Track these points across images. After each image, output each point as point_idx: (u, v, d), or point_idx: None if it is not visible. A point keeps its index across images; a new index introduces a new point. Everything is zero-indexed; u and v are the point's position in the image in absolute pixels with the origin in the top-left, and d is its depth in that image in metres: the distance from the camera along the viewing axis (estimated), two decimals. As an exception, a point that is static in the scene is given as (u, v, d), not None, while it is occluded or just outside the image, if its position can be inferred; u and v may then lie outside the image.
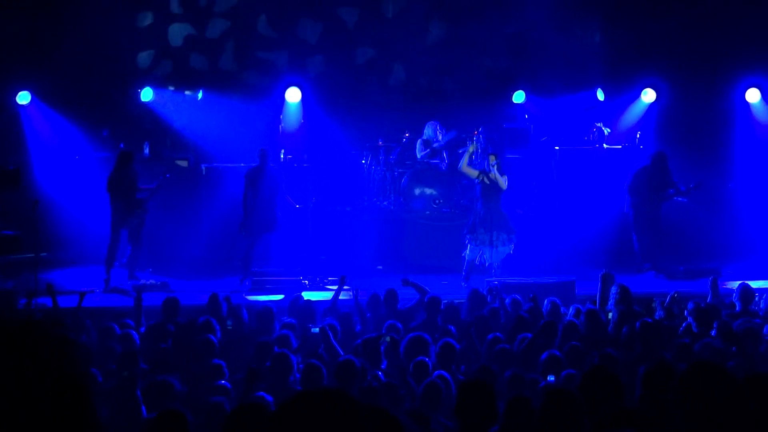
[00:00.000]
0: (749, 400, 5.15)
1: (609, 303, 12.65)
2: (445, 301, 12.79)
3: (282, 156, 19.14)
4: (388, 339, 10.28)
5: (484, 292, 13.49)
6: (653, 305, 12.80)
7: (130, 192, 17.25)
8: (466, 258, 16.91)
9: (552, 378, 8.97)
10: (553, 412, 6.05)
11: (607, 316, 12.07)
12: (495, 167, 16.66)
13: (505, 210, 16.98)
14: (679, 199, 18.49)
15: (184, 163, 19.84)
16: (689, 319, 11.78)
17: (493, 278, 15.86)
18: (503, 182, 16.70)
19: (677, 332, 11.57)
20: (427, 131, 20.03)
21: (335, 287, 13.64)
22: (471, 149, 17.08)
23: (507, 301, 13.10)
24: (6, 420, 2.01)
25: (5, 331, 2.10)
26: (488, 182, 16.75)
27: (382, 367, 9.98)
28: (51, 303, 12.91)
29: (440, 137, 19.96)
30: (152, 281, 17.16)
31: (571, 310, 12.42)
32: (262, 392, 8.34)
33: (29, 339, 2.10)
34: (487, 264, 16.79)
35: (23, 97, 20.12)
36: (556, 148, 20.10)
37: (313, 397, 2.40)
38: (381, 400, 8.27)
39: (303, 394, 2.42)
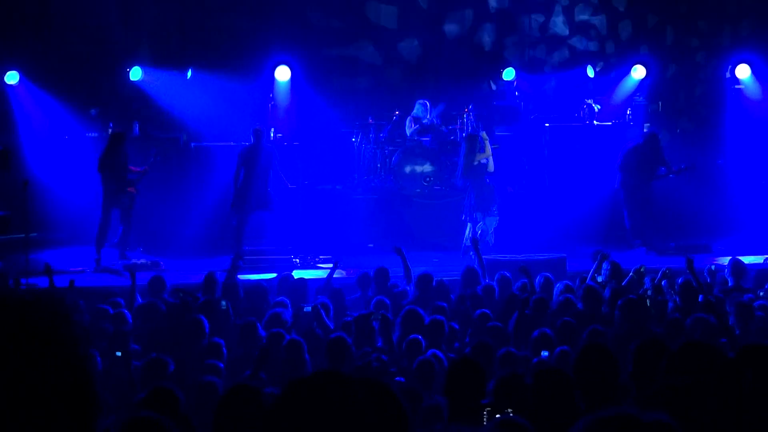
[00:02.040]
0: (740, 375, 5.17)
1: (601, 278, 12.70)
2: (437, 279, 12.80)
3: (272, 134, 19.12)
4: (379, 316, 10.29)
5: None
6: (642, 270, 12.82)
7: (121, 172, 17.23)
8: (467, 235, 17.00)
9: (546, 354, 8.99)
10: (544, 391, 6.06)
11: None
12: (486, 143, 16.80)
13: (492, 183, 17.14)
14: (670, 176, 18.52)
15: (174, 142, 19.80)
16: (676, 296, 11.80)
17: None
18: (491, 164, 16.92)
19: (667, 308, 11.59)
20: (417, 109, 20.04)
21: (327, 266, 13.62)
22: (484, 136, 17.13)
23: (496, 277, 13.09)
24: (7, 397, 2.01)
25: (7, 307, 2.09)
26: (477, 163, 16.87)
27: (377, 344, 10.00)
28: (47, 283, 12.89)
29: (429, 116, 19.97)
30: (143, 260, 17.15)
31: (559, 285, 12.43)
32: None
33: (33, 316, 2.09)
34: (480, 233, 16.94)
35: (12, 77, 20.02)
36: (546, 125, 20.11)
37: (308, 383, 2.40)
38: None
39: (297, 382, 2.41)
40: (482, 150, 17.42)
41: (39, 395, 2.02)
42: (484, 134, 16.94)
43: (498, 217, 17.15)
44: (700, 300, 11.39)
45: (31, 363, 2.03)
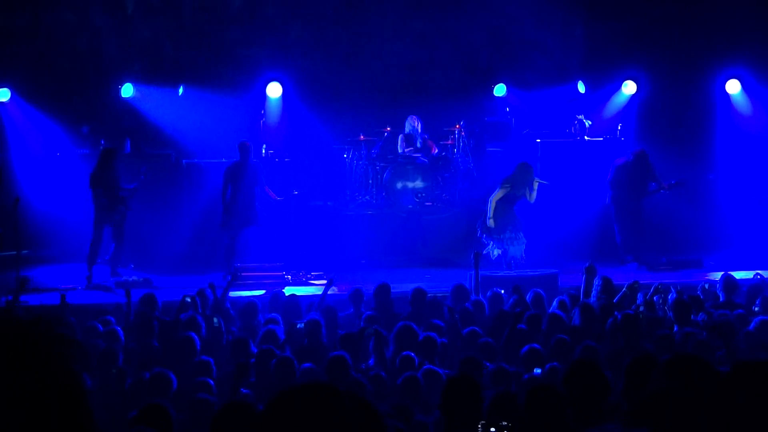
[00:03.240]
0: (734, 390, 5.17)
1: (592, 295, 12.70)
2: (429, 295, 12.80)
3: (264, 151, 19.12)
4: (372, 332, 10.28)
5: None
6: (635, 286, 12.81)
7: (113, 189, 17.21)
8: (492, 256, 16.93)
9: (539, 371, 8.99)
10: (535, 407, 6.06)
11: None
12: (536, 187, 16.76)
13: (517, 211, 17.08)
14: (661, 191, 18.54)
15: (165, 159, 19.80)
16: (669, 311, 11.80)
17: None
18: (533, 198, 16.86)
19: (659, 323, 11.59)
20: (408, 126, 20.07)
21: (320, 282, 13.60)
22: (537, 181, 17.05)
23: (488, 294, 13.10)
24: (1, 419, 2.01)
25: (5, 327, 2.10)
26: (519, 195, 16.82)
27: (370, 362, 9.99)
28: (39, 300, 12.87)
29: (419, 128, 19.98)
30: (135, 277, 17.12)
31: (554, 302, 12.44)
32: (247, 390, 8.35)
33: (29, 336, 2.10)
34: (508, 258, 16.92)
35: (2, 94, 20.01)
36: (538, 140, 20.15)
37: (298, 393, 2.41)
38: (367, 395, 8.27)
39: (288, 392, 2.43)
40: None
41: (34, 413, 2.03)
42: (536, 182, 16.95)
43: (524, 245, 17.07)
44: (692, 317, 11.41)
45: (27, 381, 2.03)
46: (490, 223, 16.85)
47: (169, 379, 8.71)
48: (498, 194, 16.92)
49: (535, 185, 16.84)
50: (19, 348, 2.07)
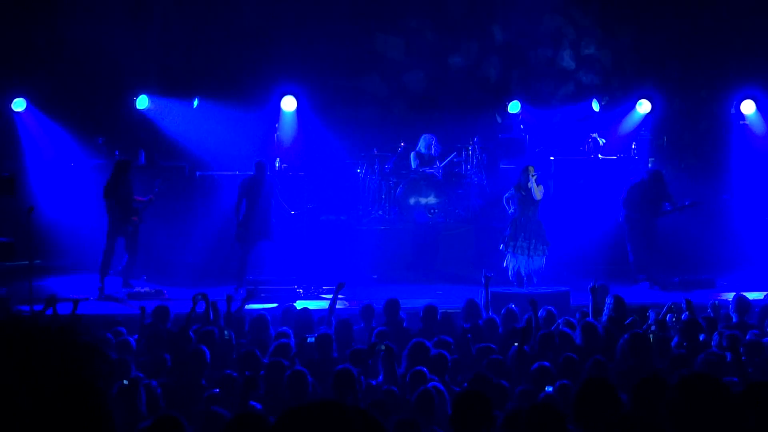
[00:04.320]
0: (746, 411, 5.15)
1: (603, 314, 12.65)
2: (441, 311, 12.79)
3: (277, 165, 19.15)
4: (383, 347, 10.27)
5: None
6: (647, 314, 12.78)
7: (127, 200, 17.25)
8: (510, 268, 16.92)
9: (550, 389, 8.96)
10: (536, 426, 6.04)
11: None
12: (533, 178, 16.71)
13: (542, 220, 17.03)
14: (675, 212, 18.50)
15: (179, 171, 19.85)
16: (677, 332, 11.76)
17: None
18: (539, 193, 16.76)
19: (670, 344, 11.55)
20: (421, 144, 20.04)
21: (330, 296, 13.56)
22: (531, 171, 16.99)
23: (502, 311, 13.06)
24: (24, 424, 2.02)
25: (32, 334, 2.11)
26: (524, 193, 16.80)
27: (379, 377, 9.98)
28: (50, 311, 12.85)
29: (433, 150, 19.95)
30: (147, 289, 17.14)
31: (560, 320, 12.41)
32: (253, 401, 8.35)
33: (54, 345, 2.11)
34: (523, 273, 16.85)
35: (19, 104, 20.12)
36: (551, 158, 20.13)
37: (306, 411, 2.42)
38: (376, 410, 8.26)
39: (296, 410, 2.44)
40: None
41: (56, 421, 2.04)
42: (530, 168, 16.90)
43: (545, 258, 17.03)
44: (701, 338, 11.38)
45: (48, 389, 2.04)
46: (505, 202, 16.99)
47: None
48: (507, 197, 17.08)
49: (532, 176, 16.78)
50: (45, 355, 2.09)
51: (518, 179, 16.98)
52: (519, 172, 17.14)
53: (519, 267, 16.88)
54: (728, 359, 10.10)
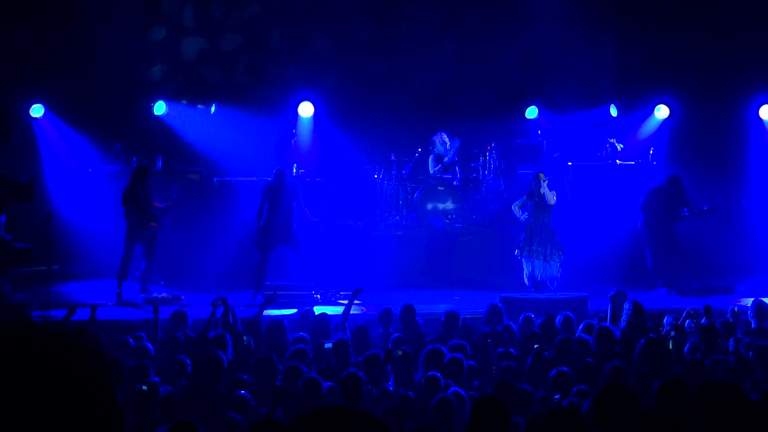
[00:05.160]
0: (764, 418, 5.13)
1: (622, 320, 12.62)
2: (461, 317, 12.77)
3: (295, 170, 19.16)
4: (399, 353, 10.26)
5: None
6: (663, 321, 12.74)
7: (145, 206, 17.27)
8: (526, 273, 16.95)
9: (557, 396, 8.95)
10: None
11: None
12: (545, 184, 16.75)
13: (555, 227, 17.04)
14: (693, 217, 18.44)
15: (196, 177, 19.88)
16: (696, 336, 11.73)
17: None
18: (552, 198, 16.80)
19: (684, 348, 11.50)
20: (437, 146, 20.04)
21: (346, 302, 13.55)
22: (542, 178, 17.03)
23: (519, 319, 13.03)
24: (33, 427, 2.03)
25: (44, 339, 2.12)
26: (537, 200, 16.83)
27: (389, 385, 9.96)
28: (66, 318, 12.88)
29: (448, 145, 19.96)
30: (164, 294, 17.15)
31: (581, 325, 12.38)
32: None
33: (65, 349, 2.12)
34: (539, 278, 16.87)
35: (37, 110, 20.19)
36: (569, 163, 20.10)
37: (316, 416, 2.43)
38: (390, 415, 8.26)
39: (306, 415, 2.45)
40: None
41: (67, 426, 2.05)
42: (541, 175, 16.96)
43: (560, 264, 17.06)
44: (722, 343, 11.35)
45: (59, 394, 2.05)
46: (516, 209, 17.01)
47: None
48: (517, 204, 17.08)
49: (543, 182, 16.82)
50: (55, 360, 2.09)
51: (530, 187, 17.01)
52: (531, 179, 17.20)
53: (534, 271, 16.89)
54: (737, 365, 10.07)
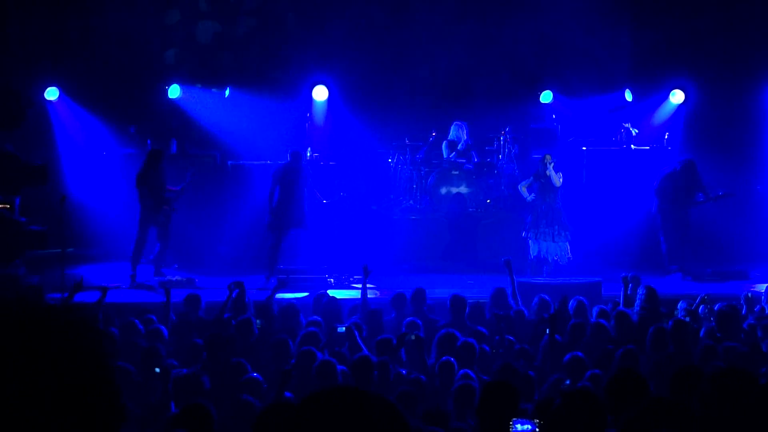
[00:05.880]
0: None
1: (636, 304, 12.60)
2: (471, 302, 12.75)
3: (309, 154, 19.15)
4: (413, 337, 10.27)
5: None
6: (678, 307, 12.73)
7: (160, 190, 17.29)
8: (532, 253, 17.09)
9: (567, 382, 8.95)
10: (572, 413, 5.99)
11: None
12: (551, 166, 16.89)
13: (561, 207, 17.20)
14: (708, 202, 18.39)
15: (210, 160, 19.91)
16: (713, 322, 11.71)
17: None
18: (558, 180, 16.95)
19: (698, 334, 11.49)
20: (453, 133, 20.03)
21: (360, 285, 13.55)
22: (548, 160, 17.15)
23: (534, 301, 13.02)
24: (30, 404, 2.06)
25: (38, 315, 2.14)
26: (543, 181, 16.97)
27: (401, 369, 9.97)
28: (82, 298, 12.92)
29: (464, 136, 19.95)
30: (178, 277, 17.18)
31: (595, 310, 12.37)
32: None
33: (59, 326, 2.14)
34: (550, 259, 17.04)
35: (51, 93, 20.23)
36: (584, 148, 20.06)
37: (324, 397, 2.45)
38: (402, 399, 8.26)
39: (316, 395, 2.47)
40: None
41: (62, 403, 2.07)
42: (547, 157, 17.10)
43: (569, 243, 17.21)
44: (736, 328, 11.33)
45: (56, 371, 2.07)
46: (522, 189, 17.05)
47: (200, 381, 8.72)
48: (524, 185, 17.14)
49: (549, 164, 16.94)
50: (51, 336, 2.12)
51: (536, 169, 17.20)
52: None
53: (541, 251, 17.08)
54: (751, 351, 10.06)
